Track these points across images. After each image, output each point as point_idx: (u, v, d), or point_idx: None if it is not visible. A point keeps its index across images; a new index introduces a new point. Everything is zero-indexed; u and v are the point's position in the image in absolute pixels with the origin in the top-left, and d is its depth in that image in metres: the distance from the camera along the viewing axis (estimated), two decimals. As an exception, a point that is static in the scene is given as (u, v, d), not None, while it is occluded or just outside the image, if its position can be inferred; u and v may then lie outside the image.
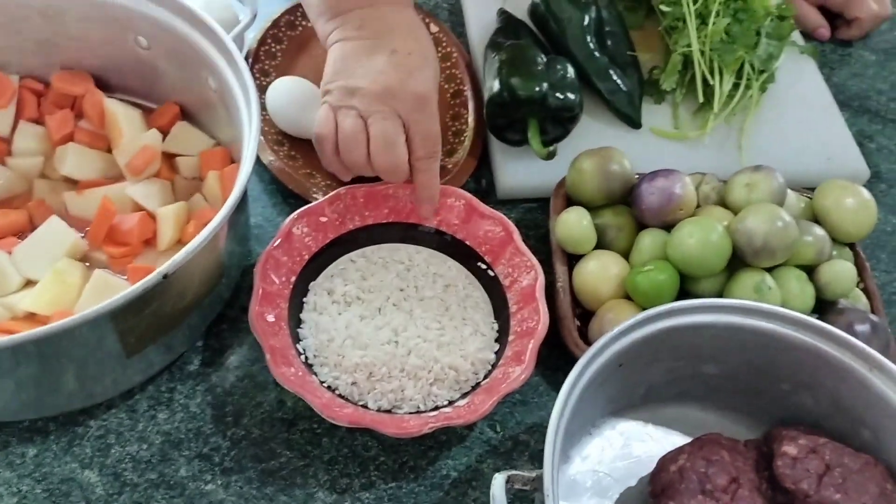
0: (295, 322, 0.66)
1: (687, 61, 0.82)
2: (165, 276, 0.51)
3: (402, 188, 0.69)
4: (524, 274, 0.67)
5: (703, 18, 0.80)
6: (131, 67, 0.72)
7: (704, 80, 0.81)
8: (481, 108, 0.82)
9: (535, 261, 0.66)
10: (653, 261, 0.66)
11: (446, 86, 0.83)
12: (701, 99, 0.81)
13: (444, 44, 0.85)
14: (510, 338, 0.65)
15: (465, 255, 0.71)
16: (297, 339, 0.65)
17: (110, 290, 0.62)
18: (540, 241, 0.74)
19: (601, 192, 0.71)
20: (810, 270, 0.67)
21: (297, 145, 0.78)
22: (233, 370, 0.65)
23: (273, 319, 0.63)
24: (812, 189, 0.72)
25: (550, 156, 0.73)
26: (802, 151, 0.83)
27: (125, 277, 0.64)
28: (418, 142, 0.65)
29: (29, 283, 0.63)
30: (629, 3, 0.89)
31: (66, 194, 0.66)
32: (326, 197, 0.68)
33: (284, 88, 0.77)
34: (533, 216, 0.78)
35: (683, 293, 0.66)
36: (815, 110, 0.87)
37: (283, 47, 0.85)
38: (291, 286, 0.66)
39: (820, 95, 0.89)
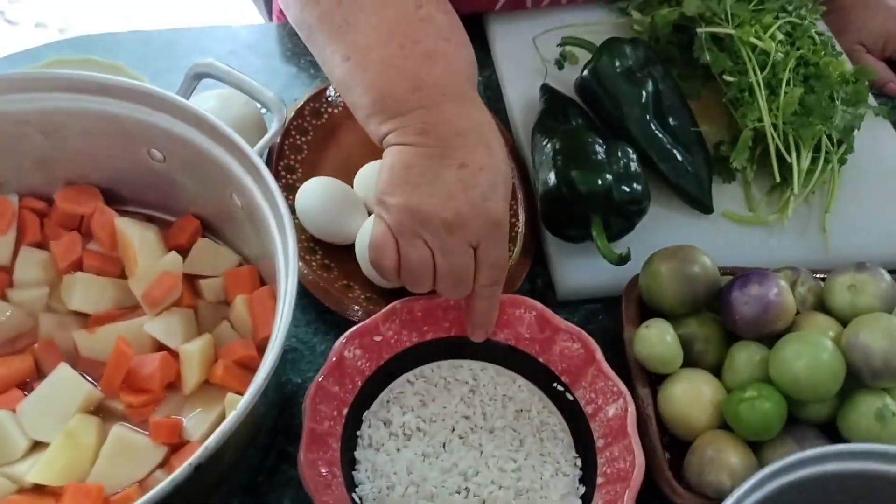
0: (348, 463, 0.59)
1: (757, 135, 0.75)
2: (198, 469, 0.42)
3: (463, 299, 0.63)
4: (610, 402, 0.61)
5: (772, 88, 0.74)
6: (144, 180, 0.66)
7: (779, 157, 0.74)
8: (532, 199, 0.75)
9: (622, 387, 0.60)
10: (754, 384, 0.59)
11: None
12: (777, 178, 0.75)
13: None
14: (599, 480, 0.58)
15: (537, 373, 0.64)
16: (352, 484, 0.58)
17: (130, 451, 0.56)
18: (609, 348, 0.65)
19: (682, 300, 0.64)
20: None
21: (331, 253, 0.72)
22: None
23: (325, 468, 0.56)
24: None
25: (623, 261, 0.66)
26: (893, 229, 0.76)
27: (146, 433, 0.57)
28: (485, 270, 0.59)
29: (37, 446, 0.56)
30: (683, 72, 0.83)
31: (76, 333, 0.58)
32: (380, 313, 0.63)
33: (316, 190, 0.70)
34: (598, 320, 0.72)
35: (790, 419, 0.60)
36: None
37: (308, 139, 0.78)
38: (343, 420, 0.60)
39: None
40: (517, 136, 0.81)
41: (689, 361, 0.63)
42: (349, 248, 0.70)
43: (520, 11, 0.88)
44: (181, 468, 0.44)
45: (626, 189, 0.68)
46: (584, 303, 0.73)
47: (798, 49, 0.76)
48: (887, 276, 0.62)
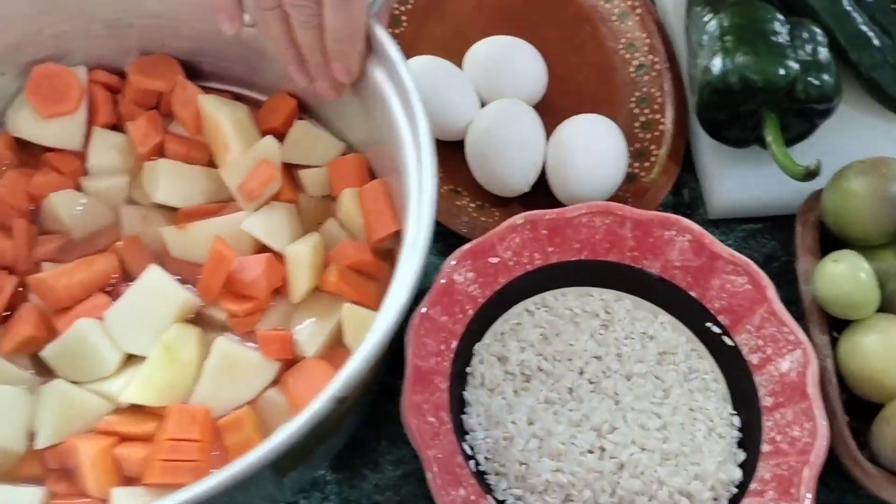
0: (457, 403, 0.51)
1: None
2: (342, 401, 0.34)
3: (600, 214, 0.54)
4: (784, 353, 0.51)
5: None
6: (231, 50, 0.57)
7: None
8: (681, 90, 0.65)
9: (802, 336, 0.51)
10: None
11: (628, 55, 0.66)
12: None
13: None
14: (765, 448, 0.50)
15: (686, 309, 0.55)
16: (462, 430, 0.51)
17: (238, 367, 0.50)
18: (773, 282, 0.54)
19: (882, 226, 0.54)
20: None
21: (438, 150, 0.60)
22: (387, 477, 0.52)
23: (431, 413, 0.49)
24: None
25: (810, 176, 0.55)
26: None
27: (253, 345, 0.50)
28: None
29: (129, 360, 0.50)
30: None
31: (164, 230, 0.49)
32: (498, 230, 0.54)
33: (417, 73, 0.58)
34: (759, 244, 0.62)
35: None
36: None
37: (409, 7, 0.68)
38: (453, 354, 0.52)
39: None
40: (663, 5, 0.69)
41: (885, 306, 0.54)
42: (458, 146, 0.62)
43: None
44: (323, 401, 0.37)
45: (815, 82, 0.56)
46: (742, 222, 0.63)
47: None
48: None
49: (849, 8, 0.62)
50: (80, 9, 0.54)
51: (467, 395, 0.52)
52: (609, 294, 0.56)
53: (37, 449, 0.47)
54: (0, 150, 0.56)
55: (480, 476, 0.49)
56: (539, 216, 0.54)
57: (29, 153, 0.57)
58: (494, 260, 0.54)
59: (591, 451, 0.50)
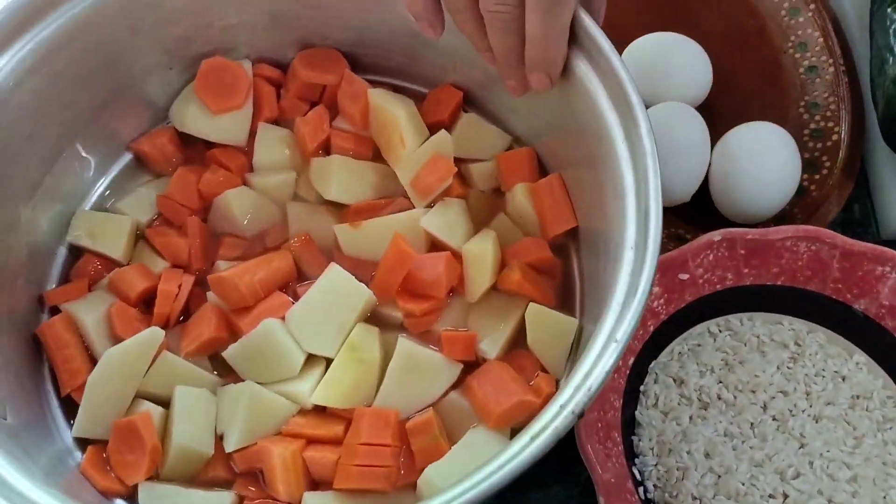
0: (628, 423, 0.50)
1: None
2: (581, 416, 0.34)
3: (807, 240, 0.51)
4: None
5: None
6: (396, 42, 0.56)
7: None
8: (858, 98, 0.61)
9: None
10: None
11: (798, 55, 0.63)
12: None
13: None
14: None
15: (888, 352, 0.51)
16: (632, 453, 0.49)
17: (421, 369, 0.49)
18: None
19: None
20: None
21: None
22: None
23: (603, 431, 0.47)
24: None
25: None
26: None
27: (435, 348, 0.49)
28: None
29: (310, 361, 0.49)
30: None
31: (337, 228, 0.48)
32: (692, 244, 0.51)
33: None
34: None
35: None
36: None
37: None
38: (628, 370, 0.50)
39: None
40: (839, 4, 0.65)
41: None
42: None
43: None
44: (563, 416, 0.36)
45: None
46: None
47: None
48: None
49: None
50: (250, 1, 0.53)
51: (639, 415, 0.50)
52: (801, 324, 0.53)
53: (227, 452, 0.46)
54: (164, 144, 0.56)
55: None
56: (739, 235, 0.52)
57: (192, 149, 0.56)
58: (684, 276, 0.52)
59: (772, 497, 0.47)
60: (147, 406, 0.47)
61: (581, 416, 0.36)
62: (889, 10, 0.57)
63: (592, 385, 0.36)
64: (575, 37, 0.45)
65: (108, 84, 0.52)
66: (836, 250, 0.51)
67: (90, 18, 0.49)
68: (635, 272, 0.39)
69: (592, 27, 0.45)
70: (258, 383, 0.48)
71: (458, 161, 0.55)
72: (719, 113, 0.61)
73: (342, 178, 0.53)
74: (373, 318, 0.51)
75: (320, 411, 0.48)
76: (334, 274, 0.49)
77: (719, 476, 0.46)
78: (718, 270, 0.52)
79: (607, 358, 0.37)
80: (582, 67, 0.46)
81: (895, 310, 0.50)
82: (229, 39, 0.55)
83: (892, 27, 0.56)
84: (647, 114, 0.42)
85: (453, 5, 0.44)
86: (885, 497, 0.46)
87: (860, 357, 0.51)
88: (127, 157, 0.56)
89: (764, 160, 0.55)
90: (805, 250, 0.51)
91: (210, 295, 0.50)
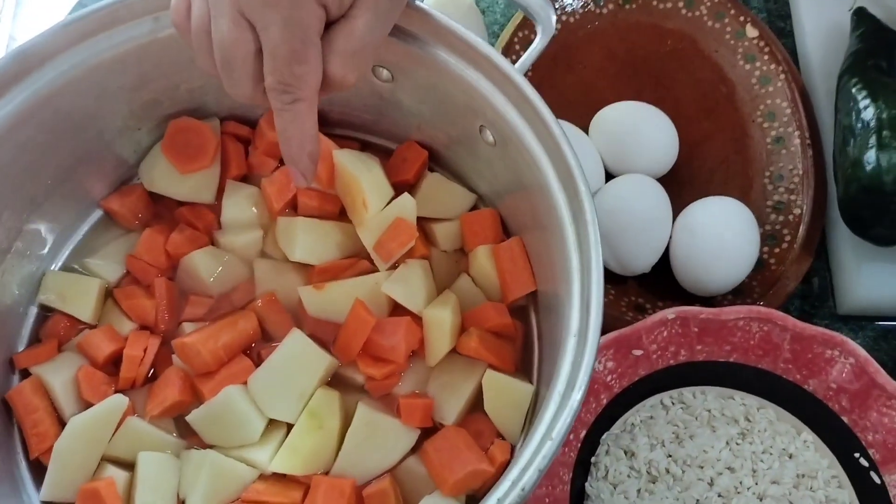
0: (578, 495, 0.51)
1: None
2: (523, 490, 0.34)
3: (759, 321, 0.52)
4: None
5: None
6: (363, 101, 0.57)
7: None
8: (821, 173, 0.61)
9: None
10: None
11: (766, 125, 0.63)
12: None
13: (768, 56, 0.64)
14: None
15: (835, 433, 0.52)
16: None
17: (379, 435, 0.50)
18: None
19: None
20: None
21: None
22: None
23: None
24: None
25: None
26: None
27: (392, 415, 0.51)
28: (269, 60, 0.42)
29: (271, 425, 0.50)
30: None
31: (302, 290, 0.50)
32: (646, 322, 0.52)
33: None
34: (891, 346, 0.59)
35: None
36: None
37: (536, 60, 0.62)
38: (580, 443, 0.51)
39: None
40: (808, 76, 0.65)
41: None
42: None
43: None
44: (510, 492, 0.36)
45: None
46: (875, 319, 0.60)
47: None
48: None
49: None
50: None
51: (589, 487, 0.52)
52: (752, 399, 0.54)
53: (187, 517, 0.48)
54: (134, 202, 0.57)
55: None
56: (693, 314, 0.53)
57: (162, 206, 0.57)
58: (638, 352, 0.53)
59: None
60: (112, 471, 0.48)
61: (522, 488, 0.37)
62: (853, 89, 0.57)
63: (541, 465, 0.37)
64: (530, 120, 0.46)
65: (77, 148, 0.53)
66: (787, 332, 0.52)
67: (56, 91, 0.49)
68: (576, 363, 0.40)
69: (534, 97, 0.45)
70: (220, 447, 0.49)
71: (423, 220, 0.56)
72: (685, 180, 0.62)
73: (307, 239, 0.54)
74: (335, 379, 0.53)
75: (280, 477, 0.49)
76: (296, 340, 0.50)
77: None
78: (672, 347, 0.53)
79: (544, 453, 0.38)
80: (535, 146, 0.46)
81: (842, 392, 0.51)
82: (196, 99, 0.56)
83: (855, 107, 0.56)
84: (592, 202, 0.43)
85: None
86: None
87: (808, 435, 0.53)
88: (98, 213, 0.57)
89: (723, 235, 0.56)
90: (757, 330, 0.52)
91: (175, 358, 0.51)
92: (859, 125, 0.55)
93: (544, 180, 0.47)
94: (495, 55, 0.48)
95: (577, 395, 0.39)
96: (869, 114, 0.54)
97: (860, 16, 0.62)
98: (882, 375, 0.50)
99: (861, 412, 0.51)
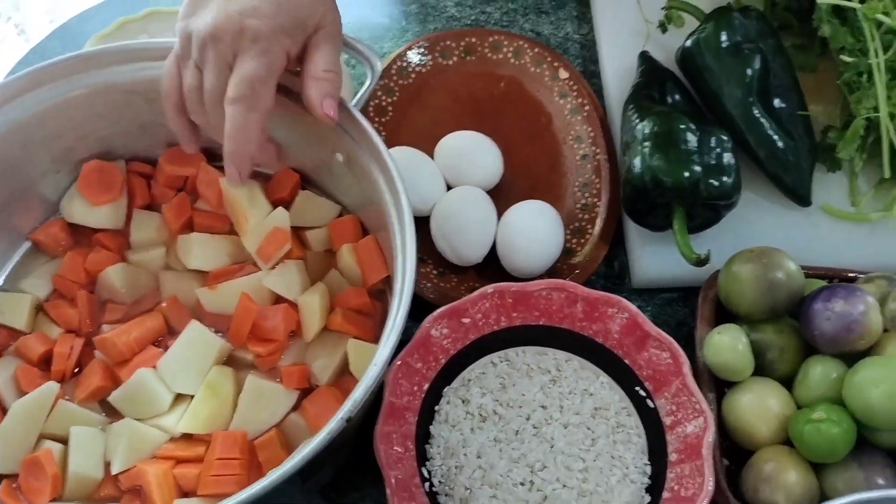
0: (423, 437, 0.64)
1: (871, 125, 0.73)
2: (349, 420, 0.47)
3: (557, 290, 0.67)
4: (691, 418, 0.63)
5: (894, 73, 0.71)
6: None
7: (892, 150, 0.72)
8: (616, 178, 0.77)
9: (705, 406, 0.62)
10: (825, 405, 0.60)
11: (575, 146, 0.79)
12: (887, 173, 0.73)
13: (576, 93, 0.81)
14: (665, 495, 0.61)
15: (621, 373, 0.67)
16: (424, 457, 0.64)
17: (266, 397, 0.64)
18: (683, 342, 0.67)
19: (761, 305, 0.65)
20: None
21: None
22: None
23: (399, 442, 0.62)
24: None
25: (701, 263, 0.68)
26: None
27: (277, 380, 0.64)
28: (234, 81, 0.57)
29: (179, 398, 0.64)
30: (799, 42, 0.80)
31: (198, 291, 0.65)
32: (471, 296, 0.67)
33: (398, 159, 0.70)
34: (674, 311, 0.75)
35: (859, 440, 0.60)
36: None
37: (394, 100, 0.82)
38: (424, 395, 0.65)
39: None
40: (609, 106, 0.82)
41: (761, 369, 0.65)
42: (425, 221, 0.75)
43: None
44: (336, 421, 0.49)
45: (715, 183, 0.68)
46: (661, 291, 0.76)
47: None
48: None
49: (758, 115, 0.74)
50: (120, 116, 0.69)
51: (433, 429, 0.65)
52: (562, 354, 0.69)
53: (112, 474, 0.59)
54: (57, 233, 0.70)
55: (433, 496, 0.62)
56: (506, 287, 0.67)
57: (81, 234, 0.70)
58: (466, 320, 0.67)
59: (522, 484, 0.62)
60: (49, 444, 0.60)
61: (349, 420, 0.50)
62: (630, 113, 0.74)
63: (356, 397, 0.50)
64: (368, 147, 0.61)
65: (7, 190, 0.66)
66: (579, 297, 0.67)
67: (-11, 143, 0.62)
68: (390, 328, 0.54)
69: (369, 128, 0.60)
70: (137, 419, 0.61)
71: (298, 229, 0.70)
72: (514, 193, 0.78)
73: (201, 251, 0.68)
74: (230, 360, 0.66)
75: (187, 437, 0.62)
76: (194, 329, 0.64)
77: (485, 471, 0.62)
78: (493, 315, 0.68)
79: (367, 381, 0.51)
80: (372, 167, 0.61)
81: (622, 340, 0.67)
82: (105, 145, 0.70)
83: (631, 127, 0.73)
84: (411, 212, 0.58)
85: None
86: (606, 481, 0.62)
87: (604, 378, 0.68)
88: (27, 244, 0.70)
89: (532, 229, 0.72)
90: (557, 298, 0.67)
91: (97, 353, 0.64)
92: (633, 139, 0.72)
93: (380, 194, 0.61)
94: (342, 100, 0.62)
95: (384, 352, 0.52)
96: (638, 130, 0.71)
97: (643, 58, 0.81)
98: (648, 324, 0.66)
99: (636, 354, 0.66)
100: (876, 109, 0.71)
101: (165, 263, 0.69)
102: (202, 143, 0.64)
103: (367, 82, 0.65)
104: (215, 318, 0.66)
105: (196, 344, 0.63)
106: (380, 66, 0.65)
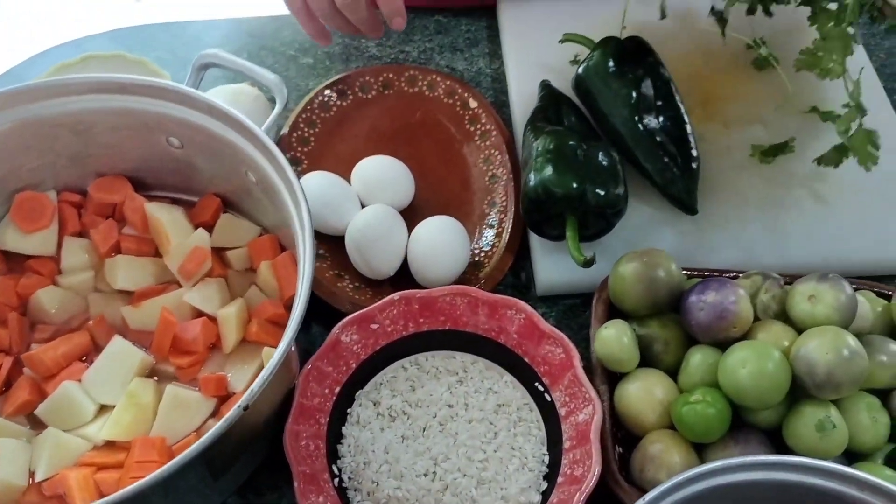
0: (335, 437, 0.68)
1: None
2: (246, 409, 0.50)
3: (460, 296, 0.72)
4: (582, 407, 0.68)
5: None
6: (166, 166, 0.76)
7: None
8: (520, 196, 0.82)
9: (593, 394, 0.67)
10: (702, 388, 0.65)
11: (484, 167, 0.87)
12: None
13: (483, 120, 0.88)
14: (559, 479, 0.66)
15: (523, 371, 0.72)
16: (335, 456, 0.68)
17: (184, 405, 0.68)
18: (584, 342, 0.73)
19: (645, 302, 0.70)
20: (886, 393, 0.66)
21: (326, 243, 0.81)
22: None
23: (308, 440, 0.65)
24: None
25: (588, 264, 0.74)
26: (882, 232, 0.81)
27: (196, 388, 0.66)
28: None
29: (103, 409, 0.68)
30: None
31: (123, 309, 0.68)
32: (378, 304, 0.71)
33: (313, 184, 0.81)
34: (577, 315, 0.80)
35: (739, 421, 0.65)
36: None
37: (316, 131, 0.89)
38: (335, 397, 0.69)
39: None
40: (516, 132, 0.89)
41: (649, 361, 0.70)
42: (342, 239, 0.80)
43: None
44: (233, 409, 0.52)
45: (602, 192, 0.74)
46: (564, 297, 0.81)
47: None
48: (848, 289, 0.66)
49: (644, 131, 0.80)
50: (49, 148, 0.74)
51: (345, 429, 0.70)
52: (468, 357, 0.73)
53: (37, 482, 0.62)
54: (-10, 260, 0.73)
55: (343, 491, 0.66)
56: (412, 294, 0.72)
57: (14, 261, 0.75)
58: (375, 326, 0.72)
59: (425, 475, 0.66)
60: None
61: (246, 408, 0.54)
62: (528, 134, 0.81)
63: (254, 387, 0.54)
64: (278, 171, 0.66)
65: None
66: (480, 301, 0.72)
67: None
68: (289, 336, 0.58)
69: (279, 155, 0.66)
70: (64, 430, 0.64)
71: (221, 249, 0.75)
72: (428, 210, 0.83)
73: (127, 272, 0.73)
74: (154, 373, 0.70)
75: (110, 445, 0.66)
76: (116, 343, 0.69)
77: (391, 465, 0.67)
78: (401, 321, 0.72)
79: (265, 374, 0.55)
80: (278, 183, 0.66)
81: (521, 339, 0.71)
82: (36, 177, 0.75)
83: (529, 146, 0.79)
84: (312, 233, 0.62)
85: (325, 16, 0.78)
86: (505, 469, 0.67)
87: (508, 377, 0.72)
88: (-39, 270, 0.74)
89: (438, 242, 0.77)
90: (461, 303, 0.73)
91: (25, 370, 0.67)
92: (529, 157, 0.79)
93: (287, 207, 0.66)
94: (252, 126, 0.68)
95: (281, 346, 0.57)
96: (534, 149, 0.78)
97: (542, 85, 0.88)
98: (543, 323, 0.70)
99: (534, 352, 0.72)
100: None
101: (94, 286, 0.74)
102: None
103: (275, 109, 0.71)
104: (139, 335, 0.71)
105: (118, 357, 0.68)
106: (286, 93, 0.71)
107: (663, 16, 0.87)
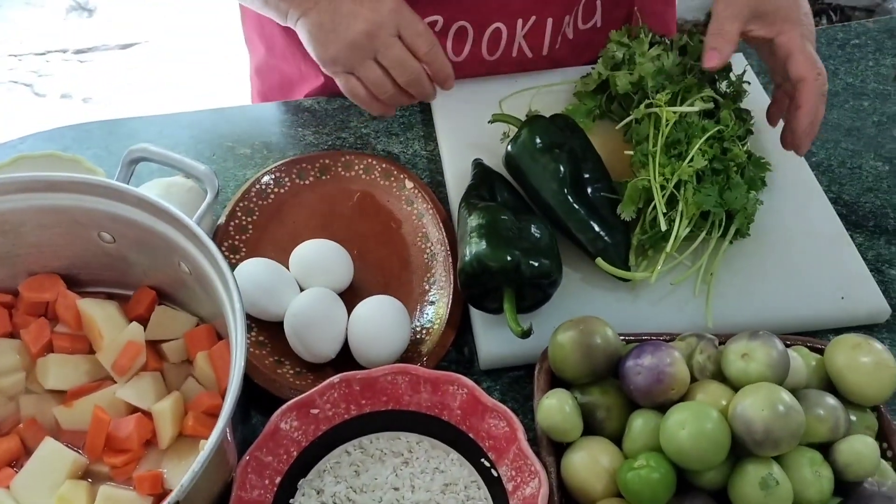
0: None
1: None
2: None
3: (401, 374, 0.72)
4: (528, 481, 0.67)
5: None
6: (99, 261, 0.77)
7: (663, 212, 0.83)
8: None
9: (539, 466, 0.67)
10: (646, 453, 0.65)
11: (423, 245, 0.88)
12: (663, 226, 0.81)
13: (421, 199, 0.91)
14: None
15: (468, 448, 0.72)
16: None
17: None
18: (530, 413, 0.74)
19: (585, 369, 0.71)
20: (827, 447, 0.67)
21: (266, 329, 0.82)
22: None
23: None
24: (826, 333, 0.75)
25: (525, 334, 0.75)
26: (811, 289, 0.85)
27: (132, 488, 0.62)
28: (417, 40, 0.81)
29: None
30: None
31: (56, 409, 0.65)
32: (318, 388, 0.71)
33: (251, 271, 0.82)
34: (522, 387, 0.80)
35: (685, 485, 0.66)
36: (822, 237, 0.89)
37: (254, 219, 0.90)
38: (276, 488, 0.68)
39: (827, 220, 0.91)
40: (452, 210, 0.92)
41: (593, 429, 0.71)
42: (282, 325, 0.80)
43: (461, 82, 0.93)
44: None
45: (535, 264, 0.76)
46: (509, 370, 0.82)
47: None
48: (779, 345, 0.68)
49: (574, 204, 0.83)
50: None
51: None
52: (413, 437, 0.73)
53: None
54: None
55: None
56: (352, 376, 0.72)
57: None
58: (315, 411, 0.72)
59: None
60: None
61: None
62: (463, 210, 0.83)
63: (184, 482, 0.53)
64: (209, 258, 0.66)
65: None
66: (421, 379, 0.73)
67: None
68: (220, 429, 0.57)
69: (211, 245, 0.66)
70: (-10, 540, 0.62)
71: (156, 342, 0.74)
72: (368, 291, 0.84)
73: (59, 371, 0.72)
74: (88, 474, 0.68)
75: None
76: (47, 446, 0.67)
77: None
78: (342, 403, 0.72)
79: (195, 467, 0.54)
80: (210, 272, 0.67)
81: (465, 415, 0.71)
82: None
83: (464, 222, 0.81)
84: (244, 320, 0.62)
85: (390, 98, 0.83)
86: None
87: (454, 454, 0.72)
88: None
89: (378, 322, 0.78)
90: (402, 381, 0.73)
91: (-49, 477, 0.65)
92: (464, 233, 0.81)
93: (219, 294, 0.65)
94: (181, 216, 0.69)
95: (213, 437, 0.56)
96: (468, 224, 0.81)
97: (475, 164, 0.91)
98: (485, 397, 0.71)
99: (478, 427, 0.71)
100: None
101: (25, 387, 0.73)
102: None
103: (207, 199, 0.71)
104: (73, 435, 0.70)
105: (49, 460, 0.67)
106: (216, 183, 0.72)
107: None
